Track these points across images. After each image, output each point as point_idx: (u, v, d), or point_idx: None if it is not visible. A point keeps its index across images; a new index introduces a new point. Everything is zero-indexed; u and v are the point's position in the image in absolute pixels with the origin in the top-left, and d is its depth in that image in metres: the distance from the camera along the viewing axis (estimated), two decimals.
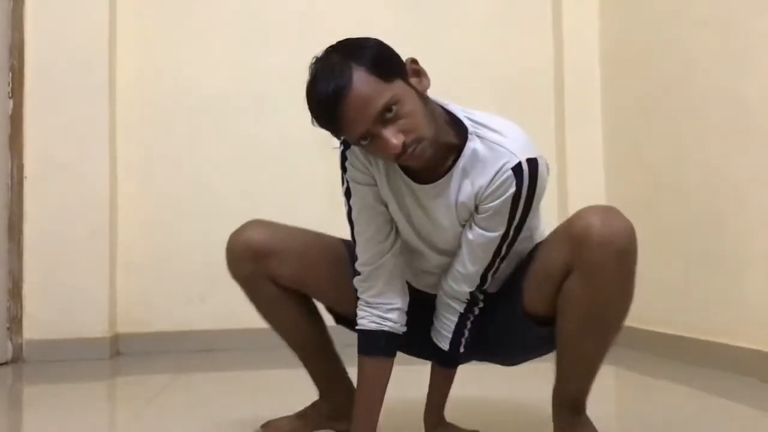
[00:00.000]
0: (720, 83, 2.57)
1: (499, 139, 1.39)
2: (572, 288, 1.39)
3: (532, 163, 1.38)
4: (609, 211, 1.38)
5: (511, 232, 1.43)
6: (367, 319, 1.51)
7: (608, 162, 3.38)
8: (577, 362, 1.47)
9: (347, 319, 1.64)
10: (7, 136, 3.09)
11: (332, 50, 1.33)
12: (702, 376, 2.48)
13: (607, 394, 2.46)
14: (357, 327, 1.53)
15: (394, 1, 3.51)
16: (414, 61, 1.36)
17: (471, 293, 1.50)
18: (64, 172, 3.13)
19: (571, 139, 3.43)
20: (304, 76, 1.33)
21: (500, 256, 1.47)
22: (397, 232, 1.53)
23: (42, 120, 3.13)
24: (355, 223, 1.52)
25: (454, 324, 1.53)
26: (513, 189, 1.37)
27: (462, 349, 1.55)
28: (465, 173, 1.41)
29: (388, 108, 1.28)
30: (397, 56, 1.35)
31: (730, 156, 2.51)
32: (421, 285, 1.62)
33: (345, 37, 1.36)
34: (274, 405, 1.93)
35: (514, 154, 1.37)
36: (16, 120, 3.11)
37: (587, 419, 1.54)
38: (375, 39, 1.35)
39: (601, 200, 3.36)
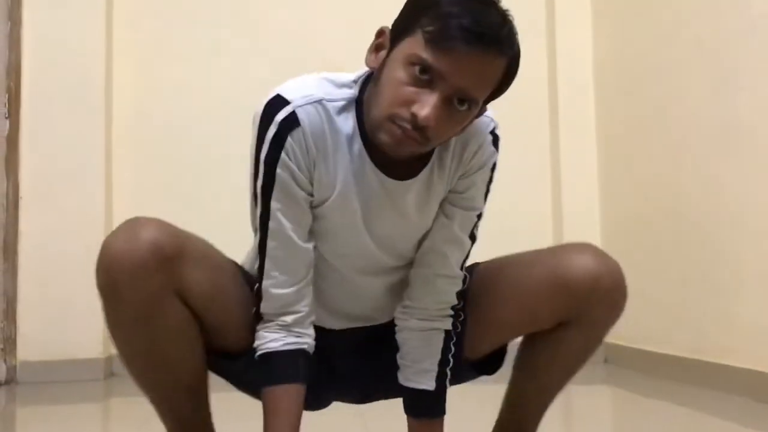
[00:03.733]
0: (713, 103, 2.59)
1: None
2: (569, 339, 1.32)
3: (497, 128, 1.29)
4: (606, 259, 1.29)
5: (483, 211, 1.31)
6: (281, 341, 1.21)
7: (602, 181, 3.40)
8: (543, 396, 1.42)
9: (226, 356, 1.31)
10: (3, 157, 3.10)
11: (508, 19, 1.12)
12: (697, 396, 2.48)
13: (600, 413, 2.46)
14: (263, 352, 1.21)
15: (388, 21, 3.53)
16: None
17: (458, 298, 1.31)
18: (60, 193, 3.13)
19: (565, 158, 3.44)
20: None
21: (473, 243, 1.31)
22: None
23: (38, 140, 3.14)
24: (281, 237, 1.20)
25: (440, 350, 1.30)
26: (496, 155, 1.28)
27: (449, 383, 1.32)
28: (442, 159, 1.25)
29: (467, 101, 1.10)
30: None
31: (723, 175, 2.53)
32: (355, 315, 1.35)
33: None
34: None
35: (492, 119, 1.26)
36: (12, 140, 3.12)
37: None
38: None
39: (596, 218, 3.38)
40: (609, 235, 3.32)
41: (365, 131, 1.17)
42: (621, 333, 3.17)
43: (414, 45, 1.08)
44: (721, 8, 2.55)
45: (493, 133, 1.28)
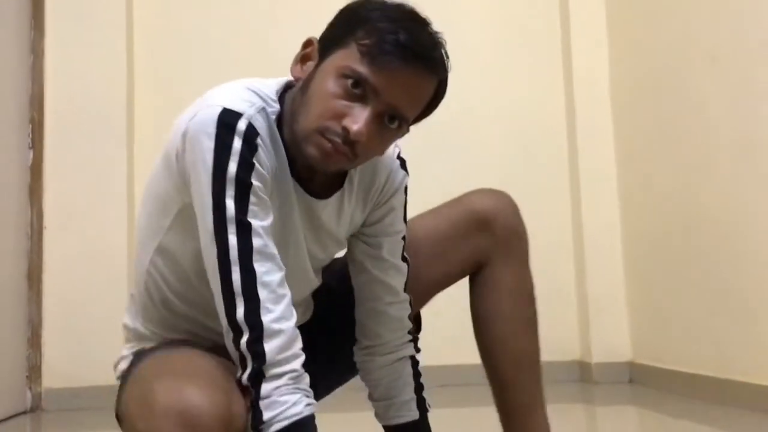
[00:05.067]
0: (731, 116, 2.58)
1: None
2: (498, 276, 1.34)
3: (401, 152, 1.30)
4: (503, 194, 1.38)
5: (406, 234, 1.31)
6: (302, 404, 1.03)
7: (622, 197, 3.38)
8: (523, 367, 1.35)
9: None
10: (27, 186, 3.14)
11: (440, 43, 1.11)
12: (724, 416, 2.45)
13: None
14: (292, 421, 1.02)
15: None
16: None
17: (411, 321, 1.33)
18: (83, 222, 3.17)
19: (584, 174, 3.42)
20: None
21: (408, 265, 1.31)
22: None
23: (61, 170, 3.18)
24: (269, 257, 1.06)
25: (412, 376, 1.32)
26: (407, 177, 1.29)
27: (429, 407, 1.34)
28: (351, 185, 1.23)
29: (398, 119, 1.09)
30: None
31: (744, 189, 2.51)
32: None
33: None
34: None
35: (396, 145, 1.25)
36: (36, 170, 3.16)
37: None
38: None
39: (617, 235, 3.36)
40: (630, 252, 3.30)
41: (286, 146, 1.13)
42: (645, 352, 3.16)
43: (347, 57, 1.06)
44: (736, 22, 2.55)
45: (399, 157, 1.29)
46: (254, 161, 1.05)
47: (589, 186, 3.42)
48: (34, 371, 3.08)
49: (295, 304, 1.19)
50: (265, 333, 1.03)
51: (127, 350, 1.31)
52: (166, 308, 1.23)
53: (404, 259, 1.30)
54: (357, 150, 1.07)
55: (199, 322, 1.22)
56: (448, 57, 1.12)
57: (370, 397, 1.35)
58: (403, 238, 1.30)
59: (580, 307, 3.40)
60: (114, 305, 3.13)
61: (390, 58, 1.04)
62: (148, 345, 1.26)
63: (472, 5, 3.57)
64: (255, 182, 1.05)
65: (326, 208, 1.20)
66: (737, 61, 2.55)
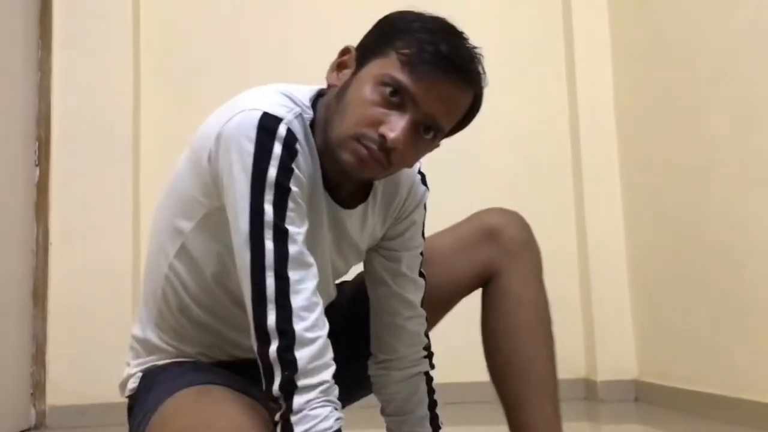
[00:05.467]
0: (735, 135, 2.58)
1: None
2: (508, 289, 1.31)
3: (421, 166, 1.31)
4: (510, 211, 1.37)
5: (424, 250, 1.32)
6: (333, 417, 1.01)
7: (627, 212, 3.37)
8: (538, 385, 1.31)
9: None
10: (33, 203, 3.15)
11: (477, 58, 1.12)
12: None
13: None
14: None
15: None
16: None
17: (428, 337, 1.34)
18: (89, 238, 3.17)
19: (589, 192, 3.42)
20: None
21: (425, 280, 1.31)
22: None
23: (67, 187, 3.19)
24: (304, 265, 1.04)
25: (426, 393, 1.33)
26: (427, 192, 1.30)
27: (442, 424, 1.33)
28: (375, 199, 1.24)
29: (434, 129, 1.09)
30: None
31: (750, 205, 2.51)
32: None
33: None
34: None
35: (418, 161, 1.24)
36: (42, 187, 3.17)
37: None
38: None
39: (621, 254, 3.35)
40: (635, 270, 3.29)
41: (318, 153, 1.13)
42: (651, 370, 3.15)
43: (387, 66, 1.06)
44: (740, 39, 2.55)
45: (420, 172, 1.31)
46: (293, 166, 1.03)
47: (594, 201, 3.41)
48: (38, 388, 3.08)
49: None
50: (296, 341, 1.00)
51: (135, 367, 1.28)
52: (183, 315, 1.21)
53: (422, 274, 1.31)
54: (392, 158, 1.06)
55: (217, 331, 1.21)
56: (485, 72, 1.12)
57: (383, 412, 1.35)
58: (421, 253, 1.31)
59: (585, 324, 3.39)
60: (119, 322, 3.13)
61: (430, 68, 1.04)
62: (159, 361, 1.25)
63: (476, 14, 3.58)
64: (293, 188, 1.03)
65: (351, 218, 1.20)
66: (742, 75, 2.55)
